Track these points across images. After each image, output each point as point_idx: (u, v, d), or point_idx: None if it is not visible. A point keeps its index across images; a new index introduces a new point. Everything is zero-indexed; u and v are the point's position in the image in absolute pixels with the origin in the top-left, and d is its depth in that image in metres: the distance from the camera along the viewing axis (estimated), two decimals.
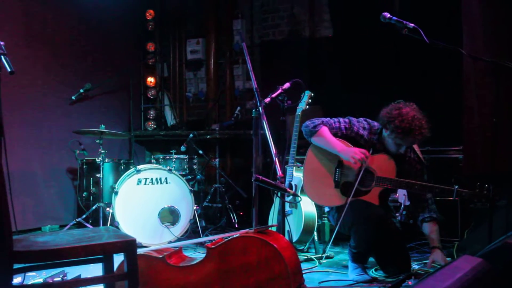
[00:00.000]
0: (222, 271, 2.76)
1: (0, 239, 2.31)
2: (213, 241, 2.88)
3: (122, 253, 2.54)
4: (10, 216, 2.35)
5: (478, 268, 1.99)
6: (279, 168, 3.11)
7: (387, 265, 4.05)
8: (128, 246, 2.52)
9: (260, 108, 3.29)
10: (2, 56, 2.90)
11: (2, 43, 2.96)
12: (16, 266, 2.40)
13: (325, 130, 4.06)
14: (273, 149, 3.18)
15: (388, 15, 3.84)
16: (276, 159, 3.15)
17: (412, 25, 3.75)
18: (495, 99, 3.78)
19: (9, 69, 2.88)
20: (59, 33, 6.46)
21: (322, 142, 4.07)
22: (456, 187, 3.72)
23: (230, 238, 2.79)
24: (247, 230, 2.86)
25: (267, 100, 3.37)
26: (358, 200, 3.95)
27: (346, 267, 4.23)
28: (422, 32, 3.73)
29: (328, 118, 4.16)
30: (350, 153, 3.89)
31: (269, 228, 2.91)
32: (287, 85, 3.62)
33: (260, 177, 2.96)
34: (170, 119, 7.63)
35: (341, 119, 4.16)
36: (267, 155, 5.32)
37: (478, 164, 4.81)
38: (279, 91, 3.51)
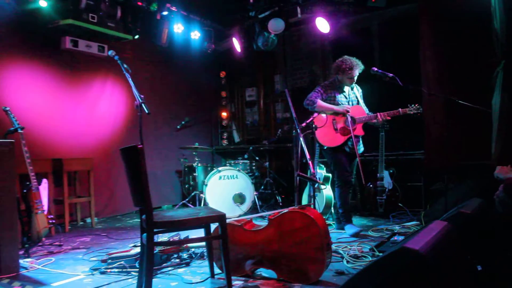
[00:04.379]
0: (279, 232, 2.75)
1: (147, 215, 2.43)
2: (272, 214, 2.87)
3: (217, 222, 2.60)
4: (150, 200, 2.46)
5: (446, 228, 1.96)
6: (312, 167, 3.13)
7: None
8: (221, 218, 2.57)
9: (298, 129, 3.31)
10: (143, 104, 3.07)
11: (142, 96, 3.13)
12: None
13: (320, 102, 4.11)
14: (307, 155, 3.17)
15: (375, 69, 3.86)
16: (310, 161, 3.17)
17: (391, 74, 3.77)
18: (446, 120, 3.75)
19: (147, 111, 3.04)
20: (169, 87, 6.60)
21: (323, 108, 4.08)
22: (400, 109, 3.94)
23: (283, 212, 2.78)
24: (293, 207, 2.84)
25: (304, 124, 3.39)
26: (343, 155, 4.08)
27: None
28: (397, 79, 3.74)
29: (312, 94, 4.16)
30: (341, 108, 4.03)
31: (308, 206, 2.91)
32: (316, 114, 3.67)
33: (300, 173, 3.00)
34: (236, 138, 7.69)
35: (317, 89, 4.20)
36: (302, 158, 5.36)
37: (435, 161, 4.75)
38: (311, 118, 3.53)
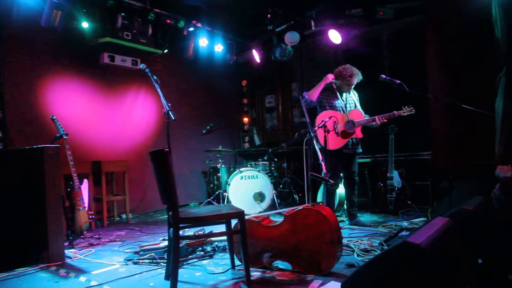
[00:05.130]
0: (293, 228, 2.77)
1: (174, 211, 2.52)
2: (287, 211, 2.88)
3: (237, 219, 2.64)
4: (177, 198, 2.53)
5: (447, 224, 1.95)
6: (324, 167, 3.15)
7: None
8: (240, 214, 2.61)
9: (312, 133, 3.34)
10: (170, 111, 3.17)
11: (169, 104, 3.23)
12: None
13: (309, 92, 4.15)
14: (320, 156, 3.19)
15: (384, 76, 3.83)
16: (322, 162, 3.18)
17: (399, 81, 3.73)
18: (451, 122, 3.70)
19: (173, 118, 3.12)
20: (195, 95, 6.70)
21: (312, 94, 4.14)
22: (395, 111, 3.91)
23: (297, 209, 2.78)
24: (306, 204, 2.84)
25: (316, 128, 3.42)
26: (338, 159, 4.06)
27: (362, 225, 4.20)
28: (404, 85, 3.70)
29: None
30: (325, 80, 4.09)
31: (320, 203, 2.91)
32: (327, 119, 3.69)
33: (314, 173, 3.02)
34: (257, 141, 7.70)
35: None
36: (315, 160, 5.36)
37: (441, 161, 4.68)
38: (322, 123, 3.56)
